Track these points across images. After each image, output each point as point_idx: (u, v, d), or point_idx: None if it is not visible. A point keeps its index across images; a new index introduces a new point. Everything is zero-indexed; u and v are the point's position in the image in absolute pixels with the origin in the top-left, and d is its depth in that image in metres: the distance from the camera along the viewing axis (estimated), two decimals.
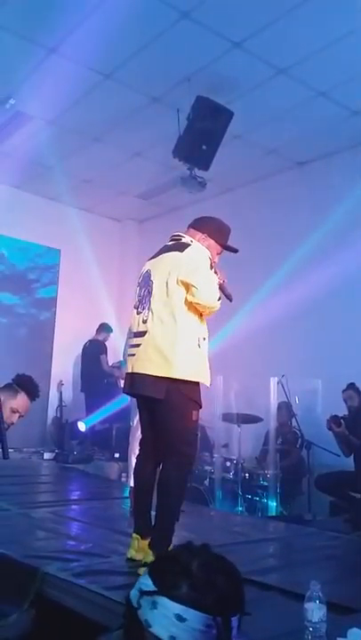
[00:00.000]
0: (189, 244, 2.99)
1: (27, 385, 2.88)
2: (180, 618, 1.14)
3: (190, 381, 2.82)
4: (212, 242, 3.07)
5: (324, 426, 5.22)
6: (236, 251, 3.13)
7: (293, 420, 5.85)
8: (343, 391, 5.34)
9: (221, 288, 3.00)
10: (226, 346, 5.95)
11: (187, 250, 2.94)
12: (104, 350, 7.74)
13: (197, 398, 2.86)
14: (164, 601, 1.16)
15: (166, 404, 2.79)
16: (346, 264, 5.78)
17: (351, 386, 5.31)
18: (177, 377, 2.78)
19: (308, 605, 1.78)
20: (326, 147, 6.39)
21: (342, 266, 5.77)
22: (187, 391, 2.80)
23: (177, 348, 2.79)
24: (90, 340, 7.92)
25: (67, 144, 6.56)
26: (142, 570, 2.64)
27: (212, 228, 3.11)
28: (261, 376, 5.68)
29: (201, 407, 2.89)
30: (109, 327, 7.93)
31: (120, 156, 6.87)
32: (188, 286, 2.83)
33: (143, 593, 1.20)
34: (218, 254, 3.13)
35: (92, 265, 8.09)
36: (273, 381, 5.57)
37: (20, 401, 2.82)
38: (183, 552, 1.27)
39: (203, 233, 3.06)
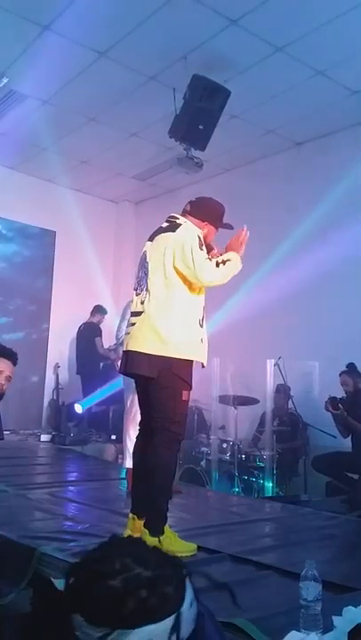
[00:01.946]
0: (181, 225, 3.01)
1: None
2: None
3: (183, 360, 2.84)
4: (211, 227, 3.13)
5: (321, 408, 5.23)
6: (231, 227, 3.17)
7: (290, 402, 5.87)
8: (340, 374, 5.32)
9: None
10: (223, 328, 5.94)
11: (178, 230, 2.96)
12: (99, 333, 7.72)
13: (188, 378, 2.89)
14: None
15: (157, 382, 2.83)
16: (344, 245, 5.75)
17: (351, 366, 5.30)
18: (171, 355, 2.80)
19: (304, 584, 1.79)
20: (325, 126, 6.33)
21: (340, 247, 5.74)
22: (178, 370, 2.83)
23: (175, 328, 2.83)
24: (84, 323, 7.89)
25: (62, 124, 6.48)
26: None
27: (210, 214, 3.14)
28: (258, 358, 5.68)
29: (191, 388, 2.91)
30: (104, 309, 7.90)
31: (116, 136, 6.79)
32: (185, 269, 2.86)
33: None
34: (214, 234, 3.18)
35: (88, 247, 8.05)
36: (269, 363, 5.58)
37: (0, 363, 2.95)
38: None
39: (202, 221, 3.10)
